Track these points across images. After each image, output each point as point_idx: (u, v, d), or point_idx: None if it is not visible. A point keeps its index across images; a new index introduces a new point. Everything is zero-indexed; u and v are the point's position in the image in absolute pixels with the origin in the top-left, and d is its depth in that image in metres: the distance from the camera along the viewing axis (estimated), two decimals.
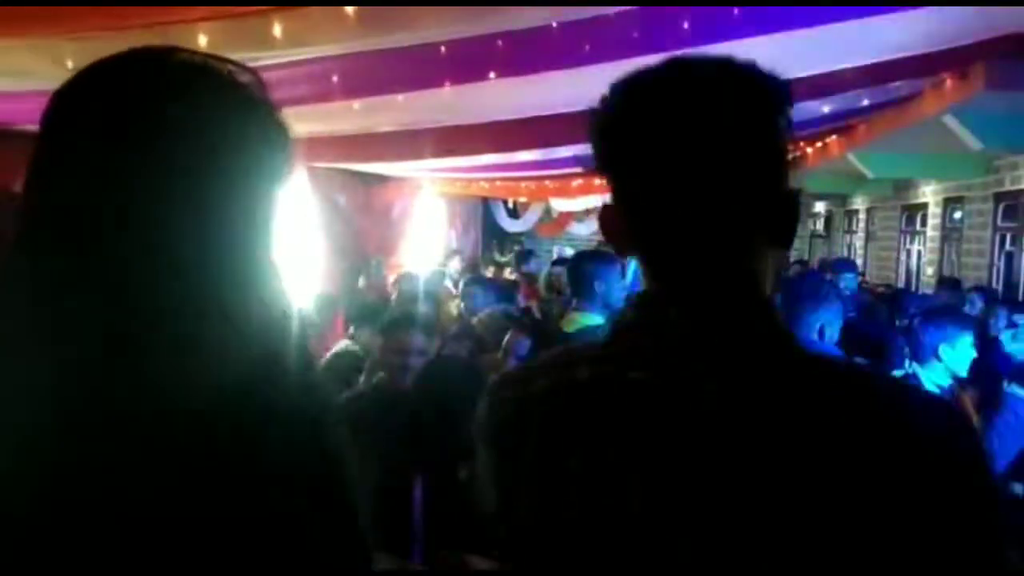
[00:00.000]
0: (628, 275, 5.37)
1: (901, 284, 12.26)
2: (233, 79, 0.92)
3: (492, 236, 16.65)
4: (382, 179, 11.02)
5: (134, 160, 0.84)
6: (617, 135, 1.03)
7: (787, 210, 1.04)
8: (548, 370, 1.07)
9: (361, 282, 8.99)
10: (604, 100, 1.03)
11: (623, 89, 1.03)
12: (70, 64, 3.91)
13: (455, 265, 10.74)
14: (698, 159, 0.98)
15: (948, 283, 8.37)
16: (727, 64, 1.02)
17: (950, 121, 7.17)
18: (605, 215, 1.08)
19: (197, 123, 0.86)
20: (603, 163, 1.06)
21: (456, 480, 2.84)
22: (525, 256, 10.38)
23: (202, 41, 3.55)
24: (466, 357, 4.69)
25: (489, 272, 10.43)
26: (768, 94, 1.01)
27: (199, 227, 0.85)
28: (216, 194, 0.86)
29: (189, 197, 0.84)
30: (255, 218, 0.90)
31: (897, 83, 6.43)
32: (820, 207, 17.54)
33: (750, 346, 0.97)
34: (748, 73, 1.01)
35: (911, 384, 1.09)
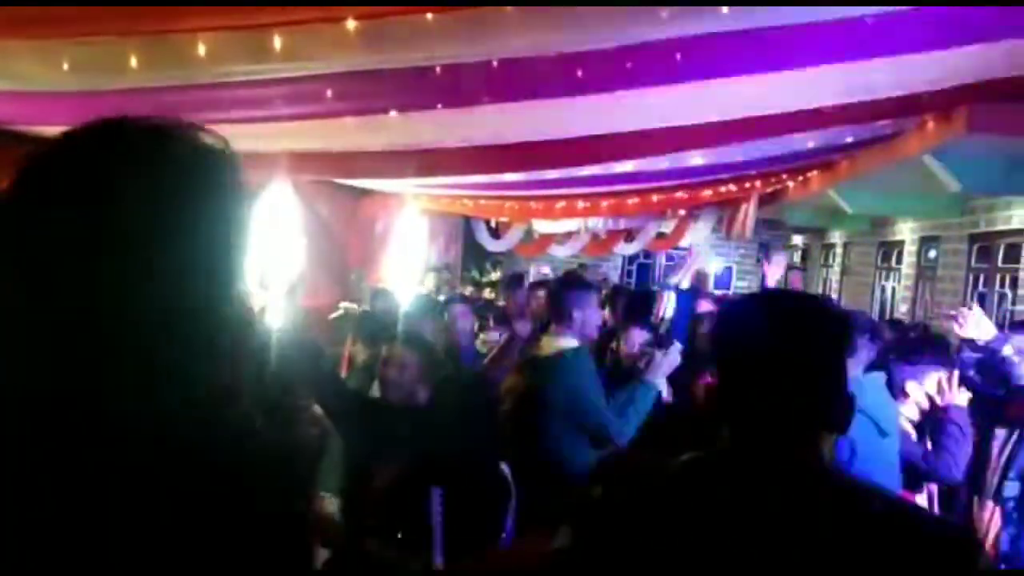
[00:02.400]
0: (667, 309, 5.59)
1: (876, 319, 12.38)
2: (188, 142, 0.99)
3: (472, 254, 16.67)
4: (366, 192, 11.02)
5: (91, 223, 0.91)
6: (726, 345, 1.57)
7: (845, 409, 1.46)
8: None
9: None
10: (721, 314, 1.62)
11: (734, 310, 1.75)
12: (66, 67, 3.93)
13: (429, 283, 10.70)
14: (781, 372, 1.45)
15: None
16: (812, 301, 1.65)
17: (929, 161, 7.30)
18: (709, 391, 1.54)
19: (146, 187, 0.94)
20: (716, 359, 1.57)
21: (472, 490, 2.96)
22: (517, 281, 10.29)
23: (201, 50, 3.58)
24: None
25: (467, 292, 10.38)
26: (839, 328, 1.52)
27: (160, 276, 0.92)
28: (171, 248, 0.94)
29: (145, 252, 0.92)
30: (218, 262, 0.98)
31: (880, 122, 6.55)
32: (798, 240, 17.71)
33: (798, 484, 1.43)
34: (825, 310, 1.57)
35: (932, 519, 1.71)
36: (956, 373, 4.00)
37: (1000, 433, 4.15)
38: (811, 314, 1.51)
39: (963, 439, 3.86)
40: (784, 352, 1.46)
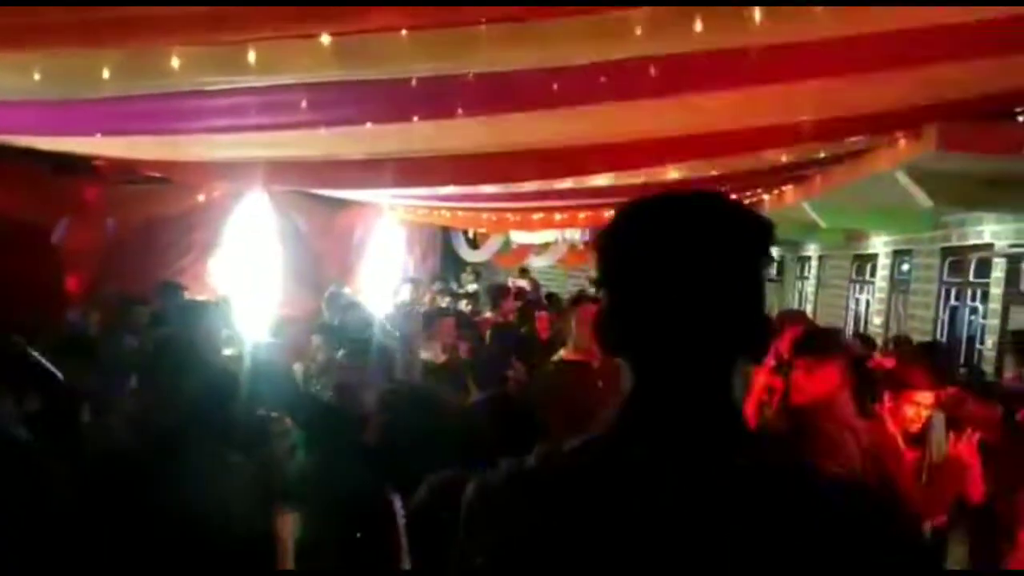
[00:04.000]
0: None
1: (850, 332, 12.47)
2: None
3: (450, 264, 16.67)
4: (343, 203, 11.01)
5: None
6: (618, 257, 1.21)
7: (762, 332, 1.23)
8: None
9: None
10: (611, 223, 1.22)
11: (627, 216, 1.22)
12: (37, 77, 3.91)
13: (405, 294, 10.68)
14: (687, 285, 1.16)
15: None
16: (721, 202, 1.23)
17: (902, 177, 7.37)
18: (598, 322, 1.23)
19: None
20: (604, 277, 1.23)
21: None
22: (503, 294, 10.25)
23: (175, 63, 3.57)
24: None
25: (444, 303, 10.33)
26: (754, 234, 1.21)
27: None
28: None
29: None
30: None
31: (852, 138, 6.62)
32: (773, 252, 17.80)
33: (714, 455, 1.13)
34: (737, 212, 1.22)
35: (841, 480, 1.23)
36: None
37: None
38: (725, 214, 1.19)
39: None
40: (696, 260, 1.15)
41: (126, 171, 7.46)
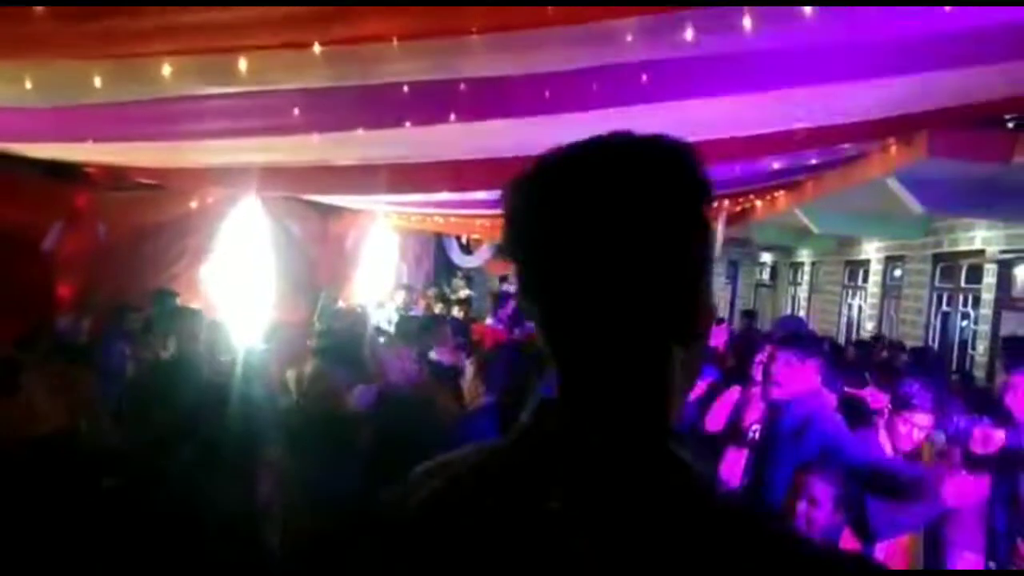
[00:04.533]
0: None
1: (842, 337, 12.52)
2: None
3: (444, 270, 16.67)
4: (336, 210, 11.01)
5: None
6: (515, 225, 0.98)
7: (688, 313, 0.96)
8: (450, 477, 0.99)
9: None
10: (510, 185, 0.99)
11: (528, 177, 0.97)
12: (28, 85, 3.91)
13: (399, 299, 10.67)
14: (588, 259, 0.92)
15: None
16: (640, 149, 0.97)
17: (893, 184, 7.40)
18: (519, 304, 1.05)
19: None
20: (506, 246, 0.99)
21: None
22: (502, 300, 10.12)
23: (166, 71, 3.56)
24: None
25: (437, 310, 10.33)
26: (676, 198, 0.95)
27: None
28: None
29: None
30: None
31: (845, 145, 6.64)
32: (767, 258, 17.87)
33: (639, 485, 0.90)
34: (659, 169, 0.95)
35: (791, 535, 0.98)
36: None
37: None
38: (641, 172, 0.94)
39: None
40: (598, 228, 0.91)
41: (118, 177, 7.45)
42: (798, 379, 3.87)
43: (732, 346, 6.26)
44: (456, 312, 10.44)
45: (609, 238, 0.92)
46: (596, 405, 0.95)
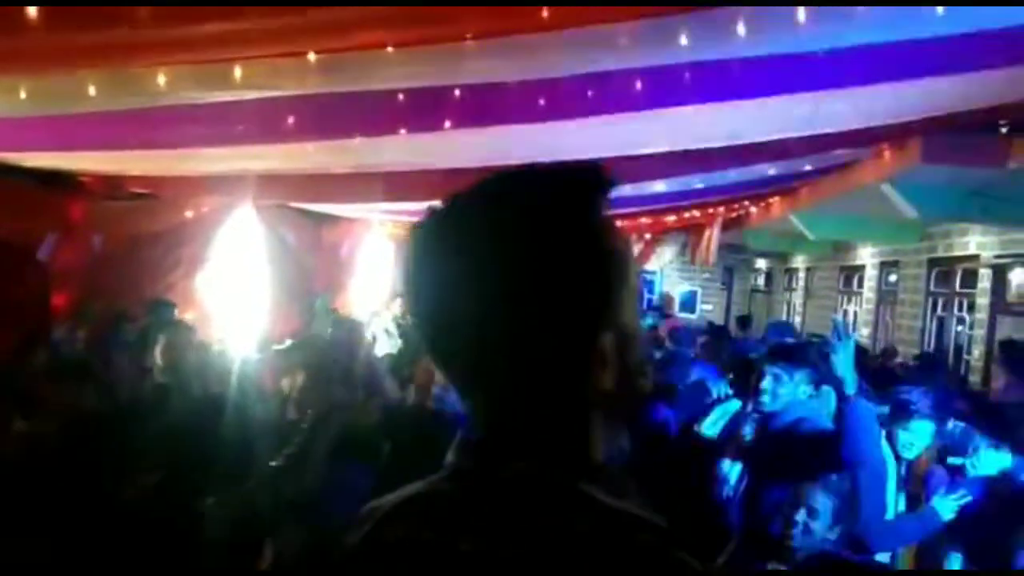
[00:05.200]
0: None
1: None
2: None
3: None
4: (331, 218, 11.00)
5: None
6: (416, 272, 0.95)
7: (589, 340, 0.92)
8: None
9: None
10: (411, 231, 0.97)
11: (424, 224, 0.96)
12: (23, 95, 3.91)
13: (396, 308, 10.65)
14: (483, 300, 0.90)
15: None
16: (522, 186, 0.95)
17: (887, 189, 7.43)
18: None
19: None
20: (405, 294, 0.98)
21: None
22: None
23: (161, 80, 3.57)
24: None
25: None
26: (564, 224, 0.91)
27: None
28: None
29: None
30: None
31: (838, 151, 6.66)
32: (761, 264, 17.91)
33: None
34: (542, 196, 0.92)
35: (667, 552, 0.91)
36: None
37: None
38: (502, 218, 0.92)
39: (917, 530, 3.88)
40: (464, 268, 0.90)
41: (113, 187, 7.44)
42: (788, 393, 3.86)
43: (731, 363, 6.23)
44: None
45: (491, 281, 0.89)
46: (505, 445, 0.93)
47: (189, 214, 8.54)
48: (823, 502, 3.14)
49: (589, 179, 0.93)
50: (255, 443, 3.78)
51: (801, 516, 3.12)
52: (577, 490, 0.91)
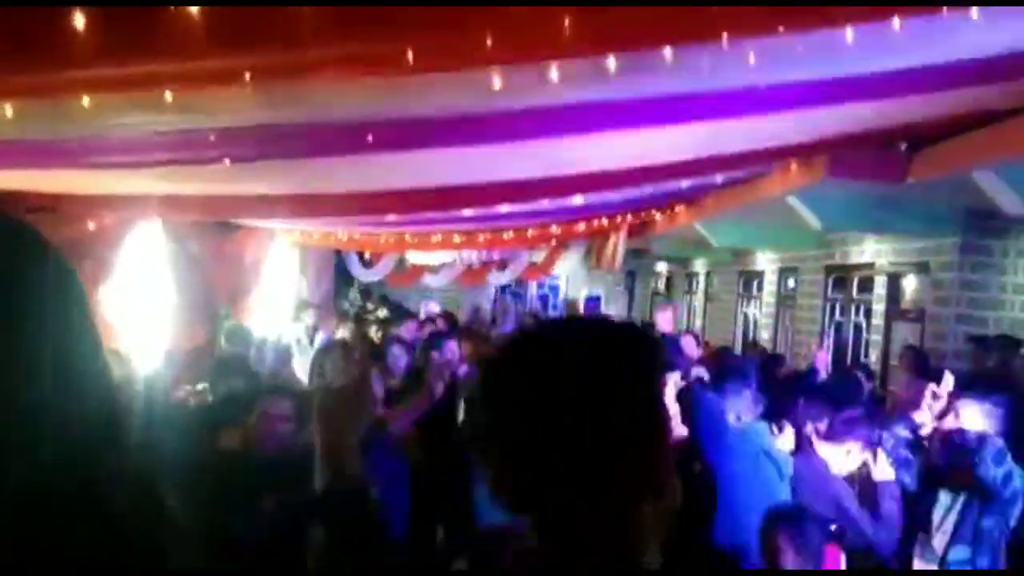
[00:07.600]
0: None
1: (739, 345, 12.83)
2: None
3: (344, 285, 16.44)
4: (236, 227, 10.72)
5: None
6: (506, 392, 1.15)
7: (651, 465, 1.10)
8: None
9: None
10: (495, 360, 1.19)
11: (511, 352, 1.18)
12: None
13: (310, 319, 10.44)
14: (571, 424, 1.08)
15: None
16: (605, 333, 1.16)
17: (793, 201, 7.67)
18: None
19: None
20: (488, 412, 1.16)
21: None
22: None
23: (85, 103, 3.41)
24: None
25: (346, 331, 9.76)
26: (639, 370, 1.13)
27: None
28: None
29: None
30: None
31: (748, 168, 6.85)
32: (662, 267, 18.23)
33: None
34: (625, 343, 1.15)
35: None
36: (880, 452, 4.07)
37: (944, 498, 4.11)
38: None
39: (898, 510, 3.98)
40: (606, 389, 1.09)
41: (8, 202, 7.08)
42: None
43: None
44: (374, 332, 10.22)
45: (575, 413, 1.07)
46: (566, 550, 1.08)
47: (91, 226, 8.21)
48: (786, 541, 3.31)
49: (649, 343, 1.17)
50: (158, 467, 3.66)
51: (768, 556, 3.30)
52: None
